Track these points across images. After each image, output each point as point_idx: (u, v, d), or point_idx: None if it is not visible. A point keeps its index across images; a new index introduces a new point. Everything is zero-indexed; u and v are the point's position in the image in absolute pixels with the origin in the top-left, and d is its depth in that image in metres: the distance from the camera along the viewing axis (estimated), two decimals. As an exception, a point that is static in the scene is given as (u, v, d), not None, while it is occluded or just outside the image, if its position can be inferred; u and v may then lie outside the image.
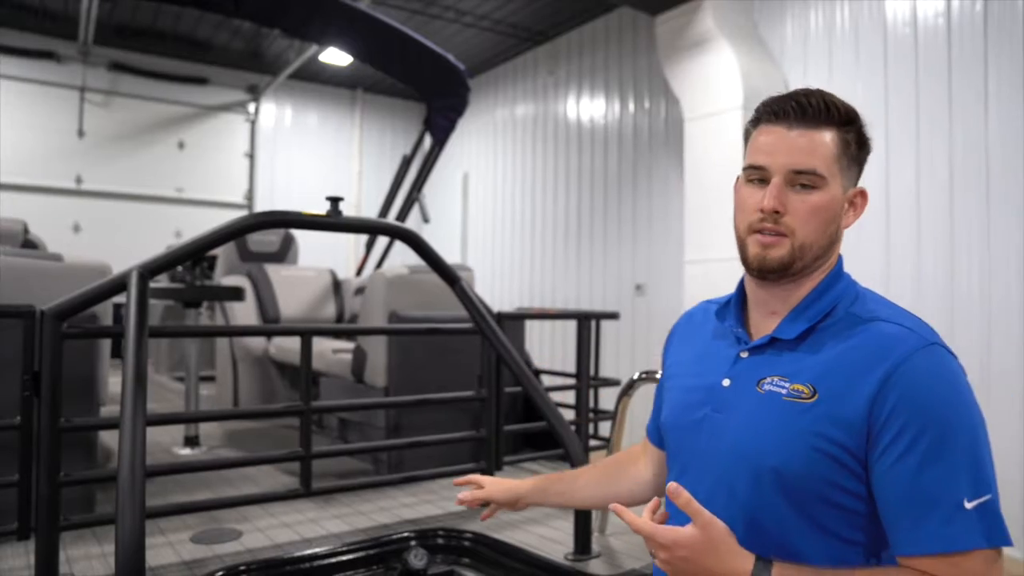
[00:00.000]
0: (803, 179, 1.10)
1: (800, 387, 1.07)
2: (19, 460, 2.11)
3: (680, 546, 0.98)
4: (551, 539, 2.54)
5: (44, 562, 1.99)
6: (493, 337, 2.73)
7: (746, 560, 0.99)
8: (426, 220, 5.92)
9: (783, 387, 1.09)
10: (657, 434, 1.42)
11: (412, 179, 5.97)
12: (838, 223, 1.15)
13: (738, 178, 1.19)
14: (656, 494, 1.46)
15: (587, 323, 3.75)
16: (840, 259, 1.20)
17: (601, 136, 7.75)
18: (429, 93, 5.50)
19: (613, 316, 4.08)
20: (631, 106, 7.38)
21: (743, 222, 1.15)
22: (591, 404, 3.88)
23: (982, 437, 1.03)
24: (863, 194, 1.18)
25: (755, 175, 1.14)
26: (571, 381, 3.93)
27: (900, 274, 4.82)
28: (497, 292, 9.08)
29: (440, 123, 5.49)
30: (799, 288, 1.16)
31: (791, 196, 1.10)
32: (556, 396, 3.59)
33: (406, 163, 6.13)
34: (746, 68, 5.43)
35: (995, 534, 0.96)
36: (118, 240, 8.42)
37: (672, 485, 1.00)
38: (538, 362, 7.23)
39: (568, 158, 8.22)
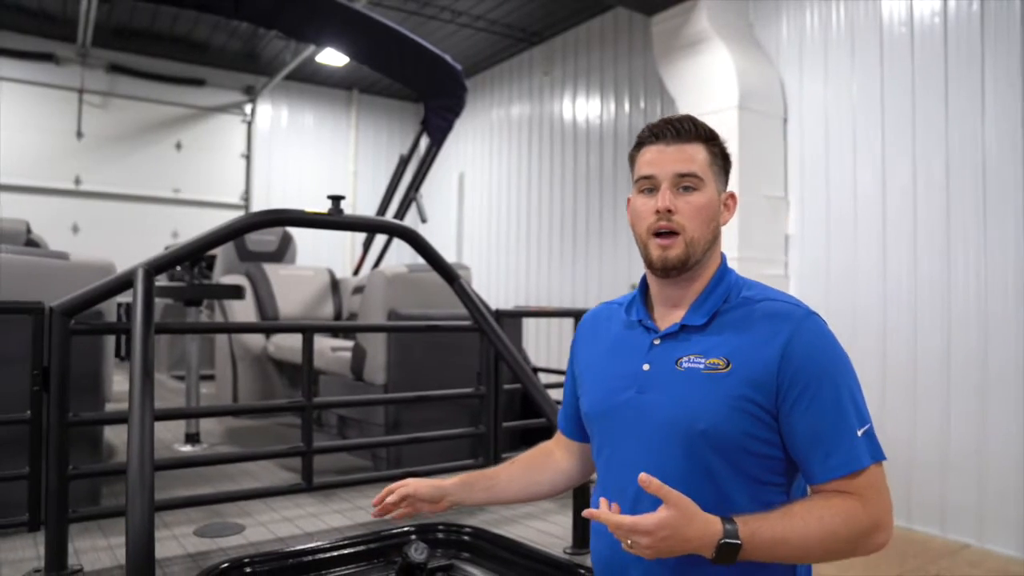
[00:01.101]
0: (686, 181, 1.32)
1: (715, 360, 1.27)
2: (29, 453, 2.16)
3: (661, 527, 1.10)
4: (550, 533, 2.58)
5: (54, 553, 2.03)
6: (492, 335, 2.78)
7: (714, 523, 1.13)
8: (423, 220, 5.96)
9: (700, 363, 1.28)
10: (573, 426, 1.58)
11: (409, 179, 6.00)
12: (718, 220, 1.37)
13: (629, 198, 1.41)
14: (576, 483, 1.65)
15: (583, 321, 3.79)
16: (724, 257, 1.42)
17: (596, 136, 7.81)
18: (426, 94, 5.53)
19: (609, 314, 4.12)
20: (626, 106, 7.43)
21: (642, 228, 1.36)
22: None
23: (855, 379, 1.27)
24: (733, 197, 1.41)
25: (646, 185, 1.35)
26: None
27: (896, 273, 4.87)
28: (493, 291, 9.13)
29: (437, 123, 5.52)
30: (694, 283, 1.36)
31: (678, 199, 1.32)
32: (554, 393, 3.63)
33: (403, 163, 6.17)
34: (741, 68, 5.48)
35: (876, 452, 1.22)
36: (116, 240, 8.44)
37: (643, 475, 1.11)
38: (535, 360, 7.28)
39: (564, 158, 8.27)
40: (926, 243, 4.73)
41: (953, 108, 4.63)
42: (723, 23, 5.72)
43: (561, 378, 4.27)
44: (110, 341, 2.92)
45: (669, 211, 1.30)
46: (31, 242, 4.85)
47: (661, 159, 1.33)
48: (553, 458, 1.64)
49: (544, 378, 4.24)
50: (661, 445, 1.28)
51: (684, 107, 5.78)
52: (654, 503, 1.18)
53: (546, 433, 3.38)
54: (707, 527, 1.12)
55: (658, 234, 1.32)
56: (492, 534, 2.48)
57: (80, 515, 2.24)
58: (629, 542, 1.12)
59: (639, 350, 1.37)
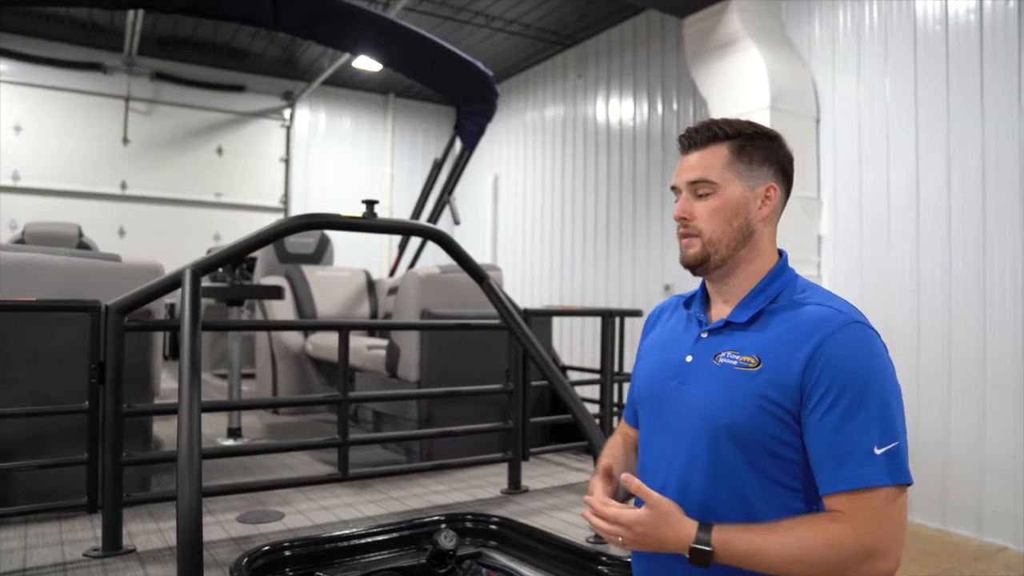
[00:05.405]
0: (698, 188, 1.37)
1: (748, 358, 1.29)
2: (87, 441, 2.31)
3: (639, 524, 1.20)
4: (573, 523, 2.66)
5: (110, 534, 2.19)
6: (520, 332, 2.87)
7: (691, 526, 1.20)
8: (456, 222, 6.07)
9: (734, 359, 1.31)
10: (634, 416, 1.59)
11: (443, 182, 6.12)
12: (744, 217, 1.36)
13: None
14: None
15: (611, 320, 3.86)
16: (784, 255, 1.43)
17: (629, 137, 7.84)
18: (459, 100, 5.65)
19: (636, 314, 4.19)
20: (659, 107, 7.46)
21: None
22: (614, 398, 3.99)
23: (892, 396, 1.22)
24: (773, 188, 1.39)
25: (675, 195, 1.42)
26: (596, 376, 4.05)
27: (931, 272, 4.82)
28: (527, 291, 9.22)
29: (470, 128, 5.64)
30: (734, 279, 1.39)
31: (696, 205, 1.37)
32: (582, 391, 3.71)
33: (437, 167, 6.29)
34: (773, 69, 5.49)
35: (898, 474, 1.17)
36: (160, 243, 8.70)
37: (625, 475, 1.21)
38: (567, 359, 7.35)
39: (597, 159, 8.32)
40: (961, 242, 4.69)
41: (989, 106, 4.58)
42: (755, 24, 5.72)
43: (591, 376, 4.37)
44: (158, 339, 3.08)
45: (684, 218, 1.38)
46: (83, 245, 5.09)
47: (681, 169, 1.40)
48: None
49: (573, 376, 4.32)
50: (691, 436, 1.32)
51: (716, 108, 5.80)
52: (678, 491, 1.28)
53: (572, 429, 3.48)
54: (682, 530, 1.19)
55: (682, 236, 1.40)
56: (518, 523, 2.57)
57: (133, 499, 2.40)
58: (620, 540, 1.21)
59: (687, 342, 1.42)
